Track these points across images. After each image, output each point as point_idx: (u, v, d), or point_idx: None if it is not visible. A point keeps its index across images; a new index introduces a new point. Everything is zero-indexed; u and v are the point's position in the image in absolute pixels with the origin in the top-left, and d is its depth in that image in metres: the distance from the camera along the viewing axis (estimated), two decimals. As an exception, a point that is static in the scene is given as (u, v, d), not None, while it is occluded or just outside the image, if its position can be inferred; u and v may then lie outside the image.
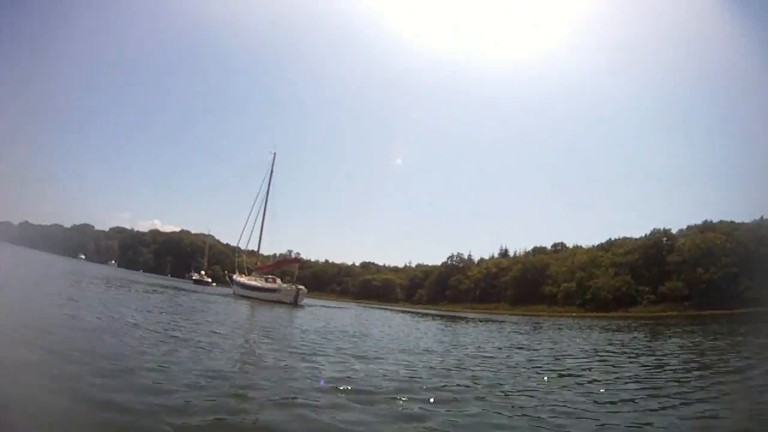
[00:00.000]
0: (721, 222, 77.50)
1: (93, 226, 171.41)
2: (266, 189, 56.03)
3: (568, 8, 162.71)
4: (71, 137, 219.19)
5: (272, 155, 56.82)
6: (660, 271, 74.45)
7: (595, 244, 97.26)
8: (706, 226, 78.26)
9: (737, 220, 75.38)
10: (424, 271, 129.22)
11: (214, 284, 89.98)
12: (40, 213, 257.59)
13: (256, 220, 57.71)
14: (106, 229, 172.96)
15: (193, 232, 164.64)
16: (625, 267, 79.56)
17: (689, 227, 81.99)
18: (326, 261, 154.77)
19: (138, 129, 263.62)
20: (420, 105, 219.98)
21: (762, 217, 71.72)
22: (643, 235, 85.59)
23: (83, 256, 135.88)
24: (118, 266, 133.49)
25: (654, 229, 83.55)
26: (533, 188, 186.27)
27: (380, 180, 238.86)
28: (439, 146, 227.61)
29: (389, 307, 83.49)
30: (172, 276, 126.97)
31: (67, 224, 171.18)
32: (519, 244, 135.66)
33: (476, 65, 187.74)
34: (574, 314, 71.63)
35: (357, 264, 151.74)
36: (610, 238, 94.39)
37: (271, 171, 56.25)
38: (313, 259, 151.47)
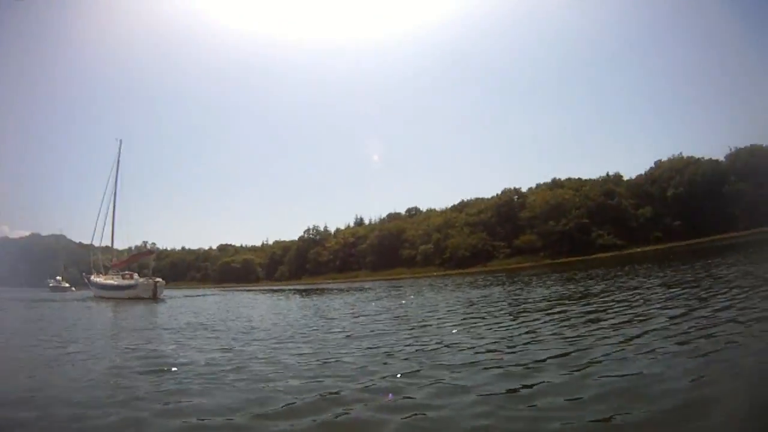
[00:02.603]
0: (569, 179, 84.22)
1: None
2: (114, 179, 53.04)
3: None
4: None
5: (118, 142, 53.79)
6: (514, 227, 79.78)
7: (449, 206, 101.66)
8: (555, 183, 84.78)
9: (584, 177, 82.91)
10: (283, 247, 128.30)
11: (73, 288, 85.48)
12: None
13: (107, 213, 54.19)
14: None
15: (43, 234, 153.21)
16: (479, 226, 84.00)
17: (539, 185, 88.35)
18: (183, 248, 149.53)
19: None
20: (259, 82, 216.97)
21: (608, 174, 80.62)
22: (495, 195, 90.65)
23: None
24: None
25: (505, 189, 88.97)
26: (384, 156, 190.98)
27: (231, 161, 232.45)
28: (287, 121, 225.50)
29: (251, 288, 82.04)
30: (28, 286, 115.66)
31: None
32: (374, 213, 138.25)
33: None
34: (434, 273, 74.69)
35: (214, 248, 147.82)
36: (463, 200, 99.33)
37: (118, 160, 53.16)
38: (170, 248, 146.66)
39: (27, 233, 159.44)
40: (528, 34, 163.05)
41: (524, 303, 16.89)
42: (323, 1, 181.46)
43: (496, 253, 78.92)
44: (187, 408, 5.81)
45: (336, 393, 6.20)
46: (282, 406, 5.71)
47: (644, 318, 10.49)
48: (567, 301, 16.07)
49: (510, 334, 10.00)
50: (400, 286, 43.45)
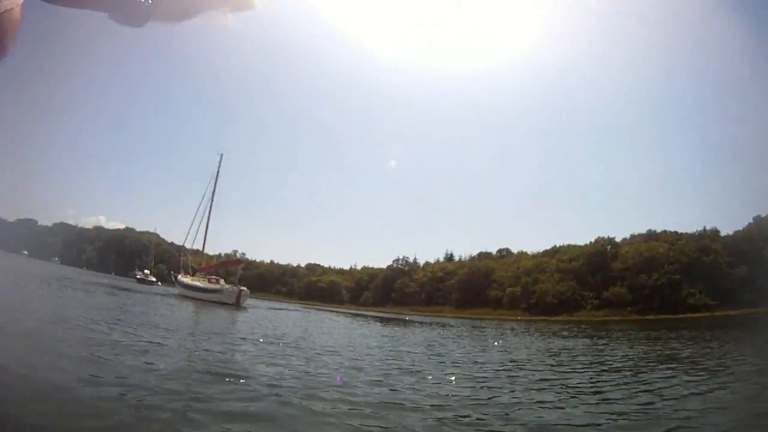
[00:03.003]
0: (664, 232, 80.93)
1: (36, 221, 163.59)
2: (212, 189, 55.78)
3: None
4: (14, 131, 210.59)
5: (219, 156, 56.81)
6: (604, 278, 77.04)
7: (540, 251, 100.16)
8: (650, 236, 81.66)
9: (680, 231, 79.08)
10: (370, 273, 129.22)
11: (159, 283, 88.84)
12: None
13: (201, 219, 57.28)
14: (50, 224, 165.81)
15: (138, 230, 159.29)
16: (569, 273, 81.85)
17: (633, 236, 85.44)
18: (271, 262, 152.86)
19: (86, 124, 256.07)
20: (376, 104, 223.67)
21: (704, 228, 76.08)
22: (588, 242, 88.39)
23: (26, 252, 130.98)
24: (60, 263, 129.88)
25: (598, 238, 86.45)
26: (480, 196, 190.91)
27: (327, 184, 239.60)
28: (387, 153, 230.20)
29: (335, 309, 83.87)
30: (116, 274, 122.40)
31: (10, 219, 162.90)
32: (464, 250, 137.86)
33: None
34: (519, 318, 73.73)
35: (302, 265, 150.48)
36: (555, 245, 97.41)
37: (218, 172, 56.06)
38: (258, 260, 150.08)
39: (122, 226, 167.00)
40: (628, 80, 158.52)
41: (608, 361, 16.10)
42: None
43: (584, 303, 76.68)
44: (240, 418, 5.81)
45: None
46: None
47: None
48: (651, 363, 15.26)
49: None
50: (484, 327, 43.12)
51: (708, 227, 76.85)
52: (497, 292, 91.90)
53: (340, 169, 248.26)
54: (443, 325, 44.77)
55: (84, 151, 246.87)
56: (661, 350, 20.41)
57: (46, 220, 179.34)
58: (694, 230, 77.48)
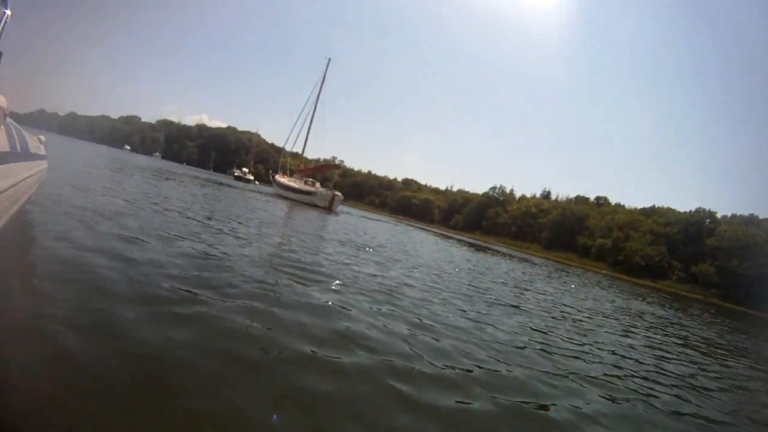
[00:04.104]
0: (767, 220, 77.08)
1: (140, 118, 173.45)
2: (317, 94, 54.81)
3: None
4: (122, 31, 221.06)
5: (327, 60, 54.99)
6: (696, 251, 75.23)
7: (638, 207, 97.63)
8: (752, 220, 78.05)
9: None
10: (465, 197, 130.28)
11: (256, 182, 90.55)
12: (87, 104, 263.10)
13: (303, 123, 57.80)
14: (153, 121, 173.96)
15: (240, 129, 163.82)
16: (662, 237, 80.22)
17: (734, 216, 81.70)
18: (369, 172, 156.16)
19: (190, 26, 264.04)
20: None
21: None
22: (688, 210, 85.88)
23: (128, 147, 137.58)
24: (162, 158, 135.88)
25: (699, 208, 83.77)
26: (588, 140, 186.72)
27: (437, 101, 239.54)
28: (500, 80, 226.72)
29: (425, 227, 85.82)
30: (214, 171, 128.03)
31: (114, 116, 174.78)
32: (562, 190, 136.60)
33: None
34: (603, 271, 73.68)
35: (399, 179, 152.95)
36: (654, 205, 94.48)
37: (324, 76, 54.70)
38: (356, 169, 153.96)
39: (224, 125, 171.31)
40: None
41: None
42: None
43: (670, 272, 75.78)
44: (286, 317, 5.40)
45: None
46: (359, 340, 5.22)
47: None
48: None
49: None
50: (568, 273, 42.31)
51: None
52: (587, 240, 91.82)
53: (451, 91, 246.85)
54: (529, 262, 45.29)
55: (189, 48, 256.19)
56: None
57: (149, 116, 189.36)
58: None
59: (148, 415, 2.86)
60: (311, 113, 54.77)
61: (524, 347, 6.97)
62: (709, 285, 69.78)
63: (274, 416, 3.26)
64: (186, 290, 5.44)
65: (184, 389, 3.23)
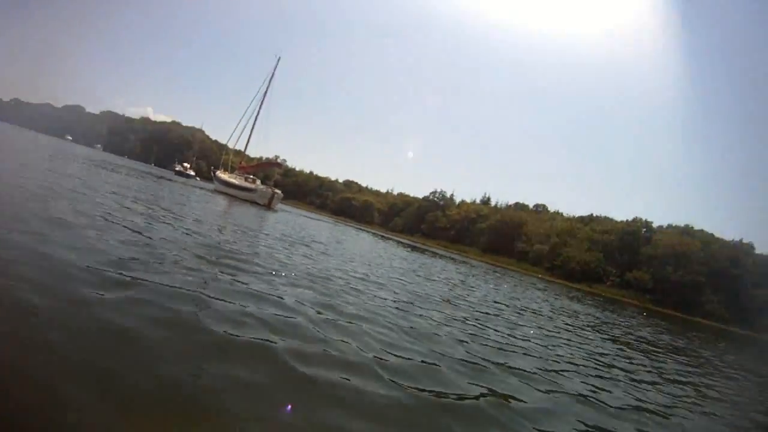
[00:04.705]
0: (701, 231, 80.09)
1: (84, 108, 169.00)
2: (264, 91, 54.14)
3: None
4: (72, 19, 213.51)
5: (276, 59, 54.52)
6: (631, 259, 77.29)
7: (576, 215, 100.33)
8: (687, 230, 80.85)
9: (717, 234, 78.47)
10: (405, 201, 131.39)
11: (197, 178, 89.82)
12: (31, 91, 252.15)
13: (248, 121, 56.82)
14: (97, 112, 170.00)
15: (184, 124, 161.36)
16: (599, 244, 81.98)
17: (670, 226, 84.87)
18: (310, 173, 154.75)
19: (141, 17, 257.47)
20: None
21: (741, 240, 75.61)
22: (624, 219, 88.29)
23: (70, 138, 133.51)
24: (103, 150, 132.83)
25: (636, 218, 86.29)
26: (528, 147, 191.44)
27: (377, 107, 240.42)
28: (447, 86, 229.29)
29: (364, 228, 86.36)
30: (156, 165, 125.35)
31: (59, 104, 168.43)
32: (502, 196, 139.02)
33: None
34: (539, 276, 74.55)
35: (340, 181, 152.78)
36: (592, 214, 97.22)
37: (272, 75, 54.14)
38: (298, 169, 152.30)
39: (169, 119, 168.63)
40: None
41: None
42: None
43: (605, 278, 77.25)
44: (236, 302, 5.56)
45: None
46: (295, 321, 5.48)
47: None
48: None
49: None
50: (505, 275, 42.83)
51: (745, 240, 76.46)
52: (524, 245, 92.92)
53: (389, 93, 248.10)
54: (466, 264, 45.83)
55: (136, 41, 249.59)
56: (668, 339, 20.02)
57: (93, 107, 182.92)
58: (731, 238, 77.05)
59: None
60: (257, 111, 54.33)
61: (442, 335, 7.09)
62: (644, 290, 71.46)
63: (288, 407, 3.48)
64: (117, 273, 5.48)
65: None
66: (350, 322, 6.26)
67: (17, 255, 5.20)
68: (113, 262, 5.91)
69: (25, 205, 8.48)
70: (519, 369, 6.32)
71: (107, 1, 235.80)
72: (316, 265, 11.18)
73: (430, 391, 4.47)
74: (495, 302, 14.71)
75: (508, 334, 8.92)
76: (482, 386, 5.14)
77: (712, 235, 78.40)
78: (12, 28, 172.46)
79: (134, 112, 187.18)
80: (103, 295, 4.59)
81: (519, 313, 13.57)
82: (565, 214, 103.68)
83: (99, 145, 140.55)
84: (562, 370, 6.97)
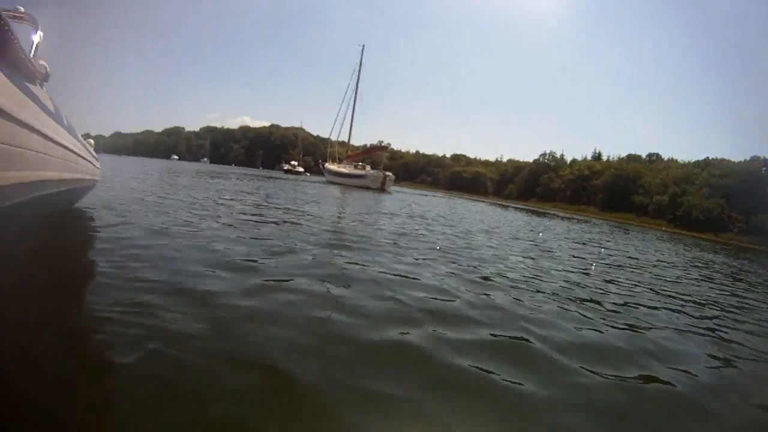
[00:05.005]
0: None
1: (184, 128, 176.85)
2: (356, 81, 55.80)
3: None
4: (153, 48, 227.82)
5: (361, 47, 56.13)
6: (755, 202, 72.57)
7: (691, 161, 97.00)
8: None
9: None
10: (516, 166, 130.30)
11: (307, 173, 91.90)
12: (130, 123, 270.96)
13: (346, 112, 58.84)
14: (197, 129, 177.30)
15: (283, 126, 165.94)
16: (719, 189, 78.64)
17: None
18: (417, 152, 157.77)
19: (221, 32, 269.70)
20: None
21: None
22: (742, 159, 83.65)
23: (176, 157, 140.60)
24: (210, 162, 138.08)
25: (754, 156, 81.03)
26: (633, 95, 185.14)
27: (475, 76, 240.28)
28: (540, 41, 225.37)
29: (479, 199, 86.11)
30: (263, 168, 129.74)
31: (158, 129, 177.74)
32: (613, 150, 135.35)
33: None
34: (663, 228, 73.59)
35: (447, 156, 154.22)
36: (708, 157, 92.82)
37: (360, 63, 55.88)
38: (403, 150, 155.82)
39: (267, 124, 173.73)
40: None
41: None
42: None
43: (731, 225, 74.20)
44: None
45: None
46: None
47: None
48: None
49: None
50: (629, 230, 41.59)
51: None
52: (643, 198, 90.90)
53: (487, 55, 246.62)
54: (588, 223, 44.88)
55: (222, 54, 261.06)
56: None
57: (193, 126, 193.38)
58: None
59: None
60: (352, 101, 56.24)
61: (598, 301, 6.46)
62: None
63: None
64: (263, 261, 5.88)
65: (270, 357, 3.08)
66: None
67: (187, 250, 5.76)
68: (265, 251, 6.34)
69: (165, 211, 9.46)
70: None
71: (189, 28, 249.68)
72: (456, 241, 10.97)
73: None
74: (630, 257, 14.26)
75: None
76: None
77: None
78: (100, 65, 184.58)
79: (233, 122, 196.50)
80: (266, 281, 4.78)
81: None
82: (680, 161, 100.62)
83: (205, 159, 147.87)
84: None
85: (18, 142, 2.79)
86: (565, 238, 18.61)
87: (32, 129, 3.02)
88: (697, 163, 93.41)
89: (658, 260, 15.30)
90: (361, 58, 56.13)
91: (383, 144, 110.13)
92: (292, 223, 10.36)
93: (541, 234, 18.49)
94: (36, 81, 3.63)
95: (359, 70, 56.03)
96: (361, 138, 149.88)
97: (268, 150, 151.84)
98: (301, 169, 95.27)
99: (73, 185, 5.33)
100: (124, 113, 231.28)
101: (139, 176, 22.69)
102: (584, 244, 17.21)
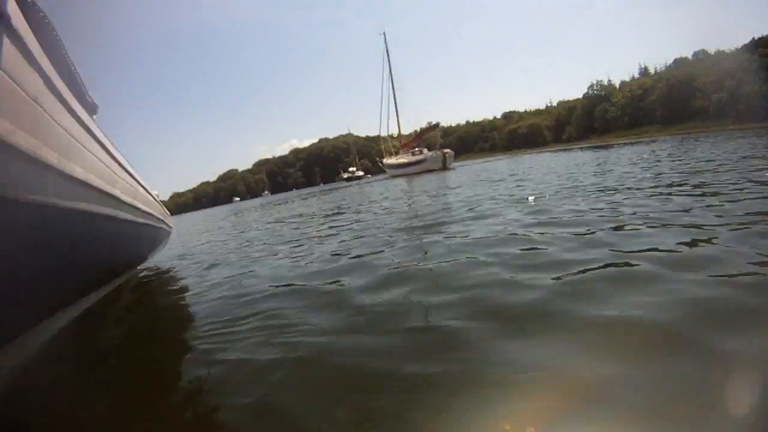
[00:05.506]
0: None
1: (237, 170, 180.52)
2: (388, 69, 56.02)
3: None
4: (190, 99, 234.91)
5: (382, 35, 56.33)
6: None
7: (740, 46, 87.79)
8: None
9: None
10: (567, 107, 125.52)
11: (368, 176, 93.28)
12: (187, 181, 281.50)
13: (389, 104, 58.63)
14: (250, 166, 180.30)
15: (331, 137, 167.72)
16: None
17: None
18: (467, 122, 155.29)
19: (251, 71, 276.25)
20: None
21: None
22: None
23: (237, 198, 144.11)
24: (271, 194, 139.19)
25: None
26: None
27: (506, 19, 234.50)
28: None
29: (540, 151, 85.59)
30: (323, 183, 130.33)
31: (212, 179, 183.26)
32: (657, 61, 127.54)
33: None
34: (730, 127, 67.44)
35: (499, 117, 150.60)
36: (754, 38, 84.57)
37: (386, 51, 55.88)
38: (454, 125, 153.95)
39: (316, 139, 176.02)
40: None
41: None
42: None
43: None
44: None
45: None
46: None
47: None
48: None
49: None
50: (698, 141, 36.94)
51: None
52: (703, 101, 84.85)
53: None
54: (656, 142, 41.60)
55: (255, 92, 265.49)
56: None
57: (244, 164, 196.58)
58: None
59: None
60: (390, 91, 57.02)
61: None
62: None
63: None
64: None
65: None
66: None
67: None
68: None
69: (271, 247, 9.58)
70: None
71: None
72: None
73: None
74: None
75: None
76: None
77: None
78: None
79: (282, 149, 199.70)
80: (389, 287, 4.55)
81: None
82: (727, 51, 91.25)
83: (266, 192, 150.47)
84: None
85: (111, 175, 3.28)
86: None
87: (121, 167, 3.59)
88: (746, 48, 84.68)
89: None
90: (386, 45, 56.59)
91: (432, 123, 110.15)
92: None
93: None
94: (93, 114, 4.03)
95: (387, 58, 56.45)
96: (410, 125, 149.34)
97: (324, 165, 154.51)
98: (361, 173, 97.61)
99: (154, 222, 5.71)
100: (176, 174, 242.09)
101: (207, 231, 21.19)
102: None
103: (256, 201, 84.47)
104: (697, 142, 30.47)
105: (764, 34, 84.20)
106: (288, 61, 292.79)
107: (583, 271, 4.04)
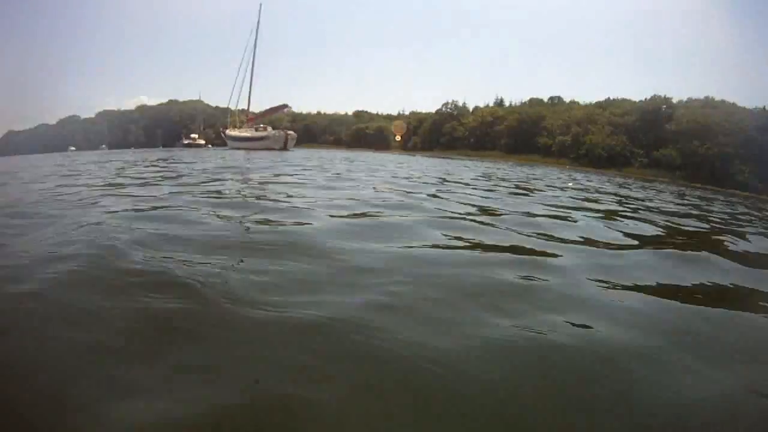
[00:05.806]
0: (722, 102, 78.02)
1: (79, 116, 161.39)
2: (254, 41, 54.97)
3: None
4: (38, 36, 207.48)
5: (258, 6, 55.93)
6: (656, 138, 76.26)
7: (593, 102, 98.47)
8: (708, 103, 78.76)
9: (739, 104, 75.82)
10: (419, 118, 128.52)
11: (210, 146, 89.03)
12: (22, 119, 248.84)
13: (245, 78, 55.98)
14: (93, 115, 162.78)
15: (181, 100, 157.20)
16: (621, 128, 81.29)
17: (690, 100, 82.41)
18: (318, 112, 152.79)
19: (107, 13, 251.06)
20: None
21: (765, 107, 72.35)
22: (643, 99, 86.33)
23: (73, 148, 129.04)
24: (108, 149, 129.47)
25: (654, 95, 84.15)
26: (532, 41, 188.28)
27: (371, 23, 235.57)
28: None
29: (382, 152, 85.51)
30: (163, 147, 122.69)
31: (52, 121, 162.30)
32: (515, 95, 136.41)
33: None
34: (567, 166, 74.35)
35: (350, 113, 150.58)
36: (609, 98, 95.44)
37: (258, 23, 55.28)
38: (305, 112, 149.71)
39: (165, 100, 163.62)
40: None
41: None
42: None
43: (633, 161, 76.84)
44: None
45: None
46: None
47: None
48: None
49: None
50: (532, 167, 43.73)
51: (768, 107, 72.95)
52: (547, 140, 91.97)
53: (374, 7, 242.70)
54: (493, 164, 46.15)
55: (109, 36, 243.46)
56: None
57: (88, 113, 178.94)
58: (754, 106, 73.32)
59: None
60: (250, 65, 55.24)
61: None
62: (674, 168, 70.88)
63: None
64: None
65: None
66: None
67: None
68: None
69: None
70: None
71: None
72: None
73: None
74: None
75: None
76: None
77: (734, 104, 76.16)
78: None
79: (129, 104, 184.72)
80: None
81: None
82: (581, 103, 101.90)
83: (104, 146, 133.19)
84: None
85: None
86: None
87: None
88: (598, 104, 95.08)
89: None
90: (259, 18, 55.38)
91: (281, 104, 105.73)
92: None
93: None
94: None
95: (257, 30, 55.03)
96: (263, 104, 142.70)
97: (168, 127, 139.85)
98: (202, 142, 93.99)
99: None
100: (13, 109, 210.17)
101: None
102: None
103: (92, 155, 75.08)
104: (531, 168, 33.59)
105: (616, 96, 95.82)
106: (154, 11, 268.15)
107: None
